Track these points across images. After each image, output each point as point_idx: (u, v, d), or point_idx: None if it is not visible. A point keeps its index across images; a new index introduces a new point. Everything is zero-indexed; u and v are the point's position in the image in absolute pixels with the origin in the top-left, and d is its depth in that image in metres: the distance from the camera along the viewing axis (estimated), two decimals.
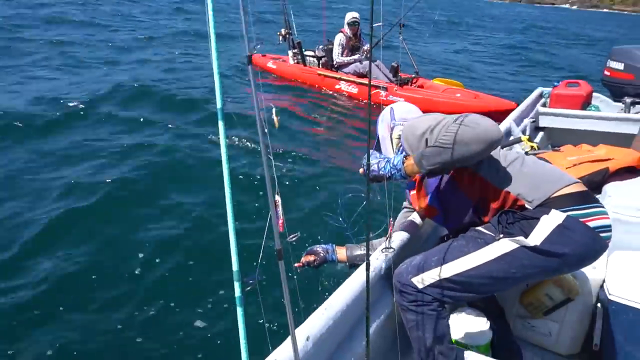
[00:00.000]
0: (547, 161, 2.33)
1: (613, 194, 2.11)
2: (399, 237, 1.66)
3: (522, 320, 1.97)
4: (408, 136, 1.54)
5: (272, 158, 0.73)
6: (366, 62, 7.72)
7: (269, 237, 0.76)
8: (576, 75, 10.68)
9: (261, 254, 0.77)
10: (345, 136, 6.07)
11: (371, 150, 1.63)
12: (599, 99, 4.07)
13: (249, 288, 0.70)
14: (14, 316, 2.43)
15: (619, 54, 3.82)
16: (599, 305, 1.77)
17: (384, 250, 1.43)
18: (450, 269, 1.41)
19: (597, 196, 2.20)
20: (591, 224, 1.32)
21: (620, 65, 3.80)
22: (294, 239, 0.78)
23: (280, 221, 0.77)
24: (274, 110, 0.70)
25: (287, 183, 3.93)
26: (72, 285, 2.68)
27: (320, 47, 8.40)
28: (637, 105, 3.74)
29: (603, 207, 1.40)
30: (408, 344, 1.52)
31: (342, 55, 7.82)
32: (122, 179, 3.88)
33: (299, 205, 3.56)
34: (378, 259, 1.49)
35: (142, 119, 5.39)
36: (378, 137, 1.76)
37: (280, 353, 1.07)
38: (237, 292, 0.67)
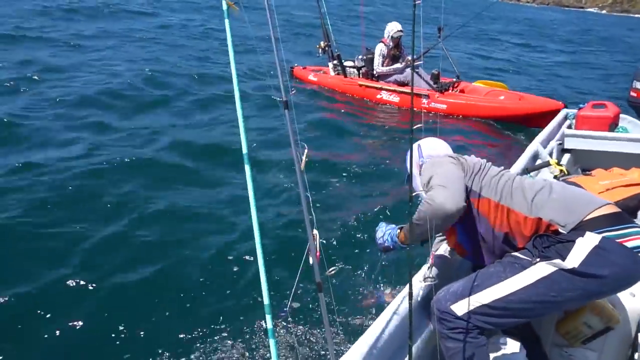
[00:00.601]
0: (578, 185, 2.31)
1: None
2: (437, 264, 1.66)
3: (559, 349, 1.92)
4: (421, 179, 1.61)
5: (309, 195, 0.76)
6: (407, 71, 7.84)
7: (307, 270, 0.78)
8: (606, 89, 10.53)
9: (295, 287, 0.79)
10: (388, 150, 5.95)
11: (380, 224, 1.74)
12: (626, 119, 4.01)
13: (280, 320, 0.72)
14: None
15: None
16: (639, 335, 1.71)
17: (425, 280, 1.43)
18: (489, 295, 1.41)
19: (636, 221, 2.16)
20: (628, 244, 1.31)
21: None
22: (332, 272, 0.81)
23: (318, 253, 0.80)
24: (305, 152, 0.74)
25: (325, 209, 3.88)
26: (128, 304, 2.72)
27: (360, 57, 8.60)
28: None
29: (638, 226, 1.38)
30: None
31: (382, 65, 7.98)
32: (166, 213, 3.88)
33: (337, 235, 3.50)
34: (419, 288, 1.49)
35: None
36: (409, 173, 1.78)
37: None
38: (269, 324, 0.69)
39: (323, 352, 0.83)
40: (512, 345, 1.76)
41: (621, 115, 3.99)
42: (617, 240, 1.31)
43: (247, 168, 0.73)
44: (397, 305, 1.37)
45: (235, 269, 3.01)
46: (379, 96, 8.03)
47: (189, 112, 6.60)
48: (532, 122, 6.50)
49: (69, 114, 5.88)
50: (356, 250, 3.26)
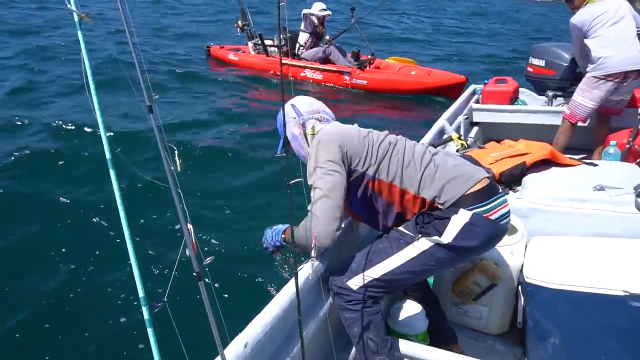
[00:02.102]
0: (473, 158, 2.54)
1: (530, 185, 2.32)
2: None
3: (456, 307, 2.15)
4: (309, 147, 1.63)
5: (180, 192, 0.81)
6: (330, 48, 8.27)
7: (183, 261, 0.84)
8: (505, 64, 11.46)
9: (172, 278, 0.85)
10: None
11: (265, 231, 1.77)
12: (525, 93, 4.38)
13: (156, 310, 0.78)
14: None
15: (540, 51, 4.12)
16: (519, 287, 1.96)
17: (311, 259, 1.55)
18: (379, 270, 1.57)
19: (518, 188, 2.43)
20: (493, 217, 1.53)
21: (541, 62, 4.10)
22: (209, 261, 0.87)
23: (194, 245, 0.86)
24: (176, 153, 0.79)
25: (207, 201, 3.94)
26: None
27: (282, 36, 8.61)
28: (558, 98, 4.06)
29: (503, 195, 1.61)
30: (343, 343, 1.65)
31: (307, 41, 8.35)
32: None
33: (217, 227, 3.58)
34: (307, 268, 1.61)
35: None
36: (283, 140, 1.75)
37: None
38: (146, 315, 0.75)
39: (208, 339, 0.90)
40: (414, 307, 1.95)
41: (520, 89, 4.35)
42: (484, 215, 1.51)
43: (112, 172, 0.77)
44: (290, 284, 1.47)
45: (112, 268, 2.99)
46: (302, 74, 8.28)
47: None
48: (440, 93, 7.53)
49: None
50: (238, 240, 3.38)
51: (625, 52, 3.33)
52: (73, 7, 0.70)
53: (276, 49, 8.73)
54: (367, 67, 8.05)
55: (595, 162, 2.52)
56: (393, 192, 1.60)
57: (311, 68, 8.21)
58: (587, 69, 3.52)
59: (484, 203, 1.52)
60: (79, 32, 0.74)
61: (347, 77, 8.02)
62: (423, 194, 1.55)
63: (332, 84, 8.22)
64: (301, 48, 8.39)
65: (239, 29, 8.97)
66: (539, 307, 1.80)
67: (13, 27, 11.67)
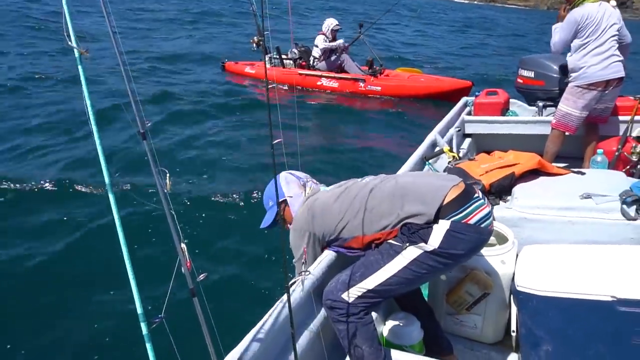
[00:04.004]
0: (464, 170, 2.60)
1: (519, 195, 2.37)
2: (323, 256, 1.83)
3: (451, 316, 2.18)
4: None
5: (173, 213, 0.87)
6: (342, 57, 8.88)
7: (179, 277, 0.89)
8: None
9: (168, 295, 0.90)
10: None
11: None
12: (516, 104, 4.46)
13: (154, 325, 0.82)
14: None
15: (529, 63, 4.21)
16: (512, 296, 2.00)
17: (301, 274, 1.59)
18: (373, 281, 1.62)
19: (508, 198, 2.48)
20: (472, 221, 1.59)
21: (531, 73, 4.19)
22: (203, 277, 0.92)
23: (188, 263, 0.91)
24: (167, 176, 0.84)
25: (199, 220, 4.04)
26: None
27: (293, 50, 9.38)
28: (548, 109, 4.14)
29: (480, 199, 1.67)
30: (337, 356, 1.69)
31: (323, 54, 8.92)
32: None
33: (209, 244, 3.70)
34: (299, 283, 1.65)
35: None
36: (279, 204, 1.89)
37: None
38: (144, 330, 0.79)
39: (203, 353, 0.94)
40: (409, 319, 1.99)
41: (511, 100, 4.44)
42: (463, 221, 1.57)
43: (110, 197, 0.82)
44: (282, 300, 1.51)
45: (109, 285, 3.11)
46: (319, 83, 8.91)
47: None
48: (448, 98, 7.90)
49: None
50: (230, 258, 3.52)
51: (606, 61, 3.42)
52: (74, 44, 0.76)
53: (291, 62, 9.28)
54: (380, 76, 8.68)
55: (582, 170, 2.58)
56: (368, 239, 1.70)
57: (327, 77, 8.81)
58: (570, 79, 3.60)
59: (461, 210, 1.59)
60: (79, 67, 0.80)
61: (362, 84, 8.62)
62: (398, 217, 1.63)
63: (347, 91, 8.79)
64: (316, 60, 9.03)
65: (254, 44, 9.39)
66: (531, 315, 1.83)
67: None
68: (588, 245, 1.99)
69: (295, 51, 9.38)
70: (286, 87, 8.83)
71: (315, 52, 8.98)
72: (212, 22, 18.84)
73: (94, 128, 0.80)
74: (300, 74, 8.97)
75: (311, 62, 9.10)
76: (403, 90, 8.47)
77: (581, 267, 1.82)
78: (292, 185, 1.90)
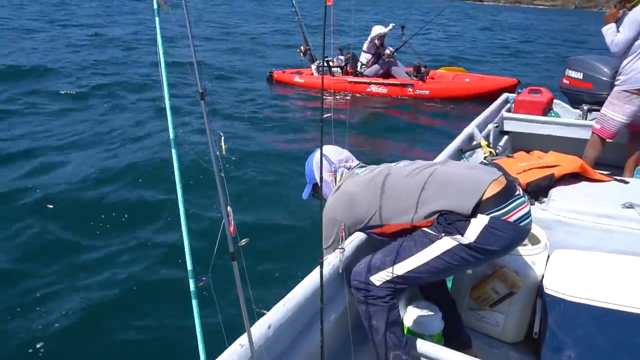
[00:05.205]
0: (501, 166, 2.55)
1: (557, 198, 2.31)
2: (354, 236, 1.83)
3: (473, 312, 2.16)
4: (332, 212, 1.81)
5: (223, 175, 0.88)
6: (388, 61, 9.10)
7: (222, 241, 0.91)
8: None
9: (214, 256, 0.92)
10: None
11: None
12: (559, 105, 4.31)
13: (201, 284, 0.85)
14: None
15: (577, 64, 4.05)
16: (538, 298, 1.97)
17: (338, 251, 1.60)
18: (403, 267, 1.61)
19: (544, 199, 2.42)
20: (511, 219, 1.55)
21: (579, 75, 4.03)
22: (244, 243, 0.94)
23: (232, 227, 0.93)
24: (222, 138, 0.86)
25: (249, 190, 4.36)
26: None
27: (339, 57, 9.63)
28: (593, 112, 3.99)
29: (522, 197, 1.63)
30: (360, 337, 1.70)
31: (370, 61, 9.19)
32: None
33: (255, 214, 3.98)
34: (333, 258, 1.66)
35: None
36: (316, 181, 1.97)
37: (243, 339, 1.22)
38: (192, 287, 0.82)
39: (238, 313, 0.97)
40: (431, 309, 1.98)
41: (555, 101, 4.29)
42: (502, 218, 1.53)
43: (173, 152, 0.84)
44: (314, 273, 1.53)
45: (164, 247, 3.45)
46: (368, 89, 9.14)
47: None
48: (494, 97, 7.66)
49: None
50: (272, 226, 3.80)
51: None
52: None
53: (338, 69, 9.44)
54: (426, 79, 8.84)
55: (626, 179, 2.49)
56: (404, 226, 1.68)
57: (376, 83, 9.04)
58: (617, 82, 3.44)
59: (501, 206, 1.55)
60: (157, 19, 0.81)
61: (410, 89, 8.89)
62: (432, 208, 1.60)
63: (396, 96, 9.02)
64: (363, 66, 9.24)
65: (301, 53, 9.73)
66: (557, 319, 1.81)
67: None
68: (623, 255, 1.93)
69: (342, 58, 9.53)
70: (338, 96, 9.15)
71: (363, 58, 9.26)
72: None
73: (165, 82, 0.81)
74: (350, 82, 9.19)
75: (358, 68, 9.28)
76: (451, 92, 8.64)
77: (614, 277, 1.77)
78: (322, 171, 1.87)
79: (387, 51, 9.06)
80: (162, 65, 0.88)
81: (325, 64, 9.44)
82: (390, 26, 8.84)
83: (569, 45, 19.65)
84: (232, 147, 5.32)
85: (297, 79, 9.98)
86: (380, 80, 9.06)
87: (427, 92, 8.76)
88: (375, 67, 9.13)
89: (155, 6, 0.84)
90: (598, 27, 3.65)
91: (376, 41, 8.93)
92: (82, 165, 4.85)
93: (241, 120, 7.11)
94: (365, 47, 9.18)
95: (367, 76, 9.19)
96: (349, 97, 8.98)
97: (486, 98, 8.00)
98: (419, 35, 10.82)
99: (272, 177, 4.79)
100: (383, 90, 9.07)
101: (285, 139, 6.33)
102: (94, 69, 10.01)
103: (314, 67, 9.77)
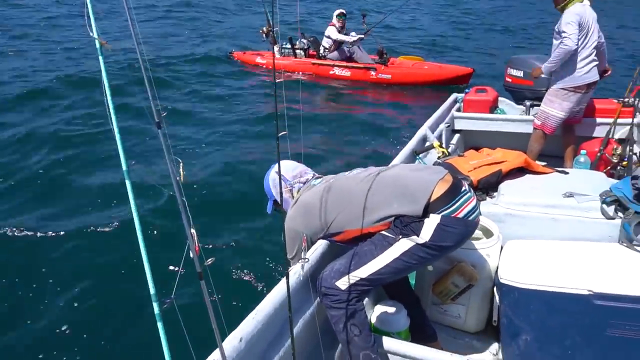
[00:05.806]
0: (453, 166, 2.67)
1: (505, 192, 2.46)
2: (318, 245, 1.88)
3: (436, 306, 2.26)
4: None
5: (185, 200, 0.91)
6: (351, 48, 9.17)
7: (188, 261, 0.93)
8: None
9: (177, 278, 0.94)
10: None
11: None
12: (504, 102, 4.56)
13: (165, 306, 0.86)
14: None
15: (518, 62, 4.31)
16: (495, 288, 2.09)
17: (302, 261, 1.65)
18: (366, 270, 1.69)
19: (494, 194, 2.57)
20: (460, 215, 1.67)
21: (520, 73, 4.29)
22: (210, 262, 0.96)
23: (197, 247, 0.95)
24: (181, 165, 0.88)
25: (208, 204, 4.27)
26: None
27: (302, 40, 9.72)
28: (535, 108, 4.25)
29: (468, 192, 1.74)
30: (330, 340, 1.76)
31: (333, 44, 9.16)
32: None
33: (217, 230, 3.91)
34: (298, 268, 1.71)
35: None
36: (275, 198, 2.05)
37: (215, 355, 1.24)
38: (156, 310, 0.84)
39: (209, 333, 0.99)
40: (397, 307, 2.06)
41: (500, 98, 4.53)
42: (452, 215, 1.65)
43: (127, 183, 0.85)
44: (281, 284, 1.56)
45: (123, 269, 3.33)
46: (331, 72, 9.21)
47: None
48: (451, 83, 8.55)
49: None
50: (235, 243, 3.72)
51: (590, 64, 3.52)
52: (95, 35, 0.79)
53: (301, 51, 9.51)
54: (388, 64, 8.97)
55: (566, 170, 2.68)
56: (359, 232, 1.75)
57: (340, 66, 9.10)
58: (554, 81, 3.68)
59: (450, 204, 1.66)
60: (100, 58, 0.83)
61: (373, 73, 8.99)
62: (387, 213, 1.69)
63: (359, 80, 9.09)
64: (326, 50, 9.27)
65: (264, 34, 9.51)
66: (512, 306, 1.92)
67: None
68: (568, 241, 2.08)
69: (304, 41, 9.61)
70: (300, 75, 9.19)
71: (326, 43, 9.27)
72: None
73: (113, 117, 0.83)
74: (314, 64, 9.28)
75: (321, 52, 9.34)
76: (411, 77, 8.86)
77: (561, 262, 1.91)
78: (278, 189, 1.91)
79: (353, 37, 9.08)
80: (110, 106, 0.89)
81: (289, 46, 9.58)
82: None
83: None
84: (189, 166, 5.17)
85: (259, 59, 10.02)
86: (344, 64, 9.14)
87: (389, 76, 8.94)
88: (339, 51, 9.19)
89: (97, 45, 0.85)
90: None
91: (337, 23, 8.96)
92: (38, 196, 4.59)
93: (198, 126, 6.78)
94: (328, 31, 9.20)
95: (330, 59, 9.26)
96: (305, 91, 8.88)
97: (442, 84, 8.61)
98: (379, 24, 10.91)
99: (233, 193, 4.73)
100: (347, 73, 9.14)
101: (246, 149, 6.17)
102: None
103: (276, 48, 9.70)
